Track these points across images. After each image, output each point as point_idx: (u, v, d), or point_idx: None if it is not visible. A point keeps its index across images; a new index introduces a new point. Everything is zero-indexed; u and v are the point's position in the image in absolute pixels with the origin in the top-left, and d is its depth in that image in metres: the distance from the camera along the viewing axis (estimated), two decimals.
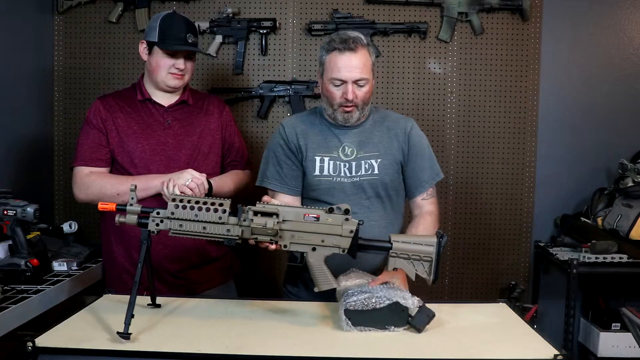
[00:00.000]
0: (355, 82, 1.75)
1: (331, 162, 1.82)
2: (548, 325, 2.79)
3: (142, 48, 1.99)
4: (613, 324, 2.70)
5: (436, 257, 1.50)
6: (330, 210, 1.50)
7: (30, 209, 1.83)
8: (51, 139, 2.84)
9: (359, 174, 1.82)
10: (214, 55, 2.79)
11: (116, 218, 1.49)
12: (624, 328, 2.56)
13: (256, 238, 1.50)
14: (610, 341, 2.68)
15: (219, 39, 2.77)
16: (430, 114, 2.85)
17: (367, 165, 1.82)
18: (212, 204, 1.47)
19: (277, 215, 1.48)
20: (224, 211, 1.47)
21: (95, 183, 1.92)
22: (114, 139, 1.97)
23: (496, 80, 2.85)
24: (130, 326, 1.40)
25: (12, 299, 1.65)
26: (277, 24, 2.78)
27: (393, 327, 1.46)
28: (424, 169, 1.88)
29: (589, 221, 2.75)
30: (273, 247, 1.52)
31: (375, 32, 2.76)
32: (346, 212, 1.51)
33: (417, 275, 1.52)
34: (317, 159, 1.83)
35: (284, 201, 1.80)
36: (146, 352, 1.32)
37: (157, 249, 1.92)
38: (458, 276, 2.90)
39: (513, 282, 2.83)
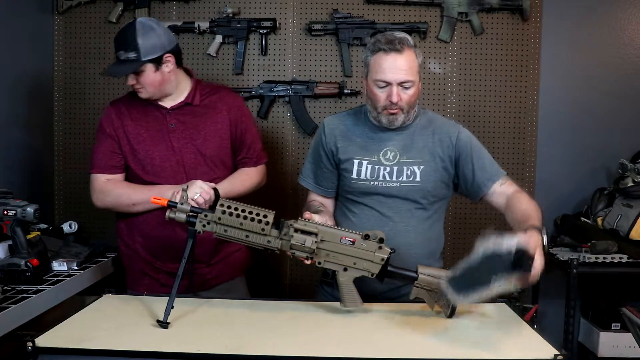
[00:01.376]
0: (400, 84, 1.70)
1: (369, 166, 1.79)
2: (548, 325, 2.79)
3: None
4: (613, 324, 2.70)
5: None
6: (366, 237, 1.57)
7: (30, 209, 1.83)
8: (51, 138, 2.84)
9: (400, 179, 1.77)
10: (214, 55, 2.79)
11: (167, 213, 1.57)
12: (624, 328, 2.56)
13: (294, 253, 1.57)
14: (610, 341, 2.68)
15: (219, 39, 2.77)
16: None
17: (409, 172, 1.78)
18: (257, 214, 1.55)
19: (317, 234, 1.56)
20: (267, 223, 1.54)
21: (112, 192, 1.97)
22: (125, 147, 1.99)
23: (496, 80, 2.85)
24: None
25: (12, 299, 1.65)
26: (277, 24, 2.78)
27: (499, 277, 1.36)
28: (484, 167, 1.80)
29: (589, 221, 2.75)
30: (308, 262, 1.59)
31: (375, 32, 2.75)
32: (380, 240, 1.57)
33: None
34: (356, 162, 1.80)
35: (314, 199, 1.89)
36: (146, 352, 1.32)
37: (169, 246, 1.94)
38: None
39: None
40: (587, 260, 2.49)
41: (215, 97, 2.06)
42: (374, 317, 1.59)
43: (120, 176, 2.01)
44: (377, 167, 1.79)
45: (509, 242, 1.38)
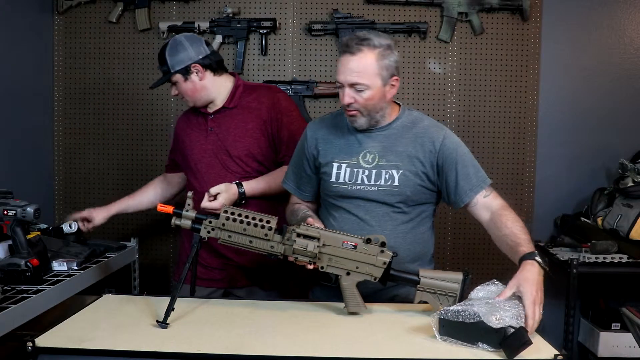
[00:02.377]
0: (352, 86, 1.67)
1: (348, 170, 1.76)
2: (548, 325, 2.78)
3: None
4: (613, 324, 2.70)
5: (460, 294, 1.57)
6: (368, 241, 1.59)
7: (30, 209, 1.82)
8: (51, 138, 2.84)
9: (378, 183, 1.74)
10: None
11: (172, 220, 1.62)
12: (624, 328, 2.55)
13: (297, 258, 1.58)
14: (610, 341, 2.68)
15: (219, 39, 2.77)
16: (430, 114, 2.84)
17: (387, 176, 1.73)
18: (261, 220, 1.58)
19: (319, 239, 1.57)
20: (270, 229, 1.58)
21: None
22: (177, 151, 2.22)
23: (496, 80, 2.85)
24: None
25: (12, 299, 1.64)
26: (277, 24, 2.78)
27: (485, 345, 1.35)
28: (468, 176, 1.74)
29: (589, 221, 2.75)
30: (311, 267, 1.60)
31: None
32: (382, 244, 1.58)
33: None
34: (335, 165, 1.78)
35: (298, 202, 1.90)
36: (146, 352, 1.32)
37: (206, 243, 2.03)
38: None
39: None
40: (587, 260, 2.49)
41: (251, 97, 2.11)
42: (374, 317, 1.59)
43: (176, 174, 2.31)
44: (356, 170, 1.76)
45: (504, 317, 1.34)
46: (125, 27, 2.81)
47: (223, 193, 1.94)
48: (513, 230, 1.65)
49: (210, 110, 2.10)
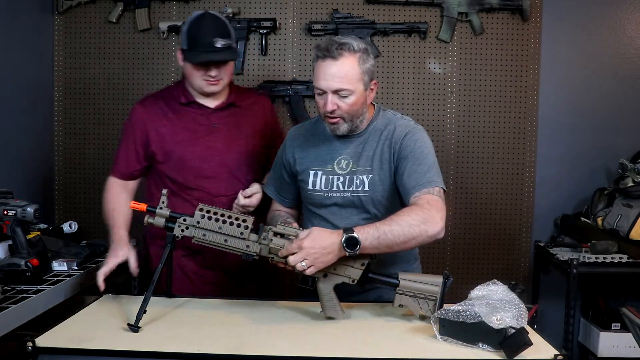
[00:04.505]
0: (336, 92, 1.63)
1: (324, 177, 1.75)
2: (548, 325, 2.79)
3: (179, 54, 1.91)
4: (613, 324, 2.70)
5: (440, 297, 1.55)
6: None
7: (30, 209, 1.82)
8: (51, 138, 2.84)
9: (351, 189, 1.72)
10: None
11: (145, 219, 1.56)
12: (624, 328, 2.56)
13: (273, 257, 1.55)
14: (610, 341, 2.68)
15: None
16: (430, 114, 2.85)
17: (358, 181, 1.72)
18: (237, 219, 1.54)
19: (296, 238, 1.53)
20: (246, 227, 1.54)
21: (107, 202, 1.96)
22: (158, 150, 1.92)
23: (496, 80, 2.85)
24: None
25: (12, 299, 1.64)
26: (277, 24, 2.78)
27: (486, 345, 1.37)
28: (411, 175, 1.65)
29: (589, 221, 2.75)
30: (289, 267, 1.54)
31: (375, 32, 2.76)
32: None
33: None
34: (312, 172, 1.77)
35: (279, 209, 1.87)
36: (146, 352, 1.32)
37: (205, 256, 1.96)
38: (458, 276, 2.89)
39: (513, 282, 2.81)
40: (587, 260, 2.49)
41: (251, 99, 2.05)
42: (374, 317, 1.59)
43: (133, 183, 2.00)
44: (331, 177, 1.75)
45: (505, 318, 1.35)
46: (125, 27, 2.81)
47: (259, 193, 1.89)
48: (397, 215, 1.56)
49: (210, 105, 1.95)
